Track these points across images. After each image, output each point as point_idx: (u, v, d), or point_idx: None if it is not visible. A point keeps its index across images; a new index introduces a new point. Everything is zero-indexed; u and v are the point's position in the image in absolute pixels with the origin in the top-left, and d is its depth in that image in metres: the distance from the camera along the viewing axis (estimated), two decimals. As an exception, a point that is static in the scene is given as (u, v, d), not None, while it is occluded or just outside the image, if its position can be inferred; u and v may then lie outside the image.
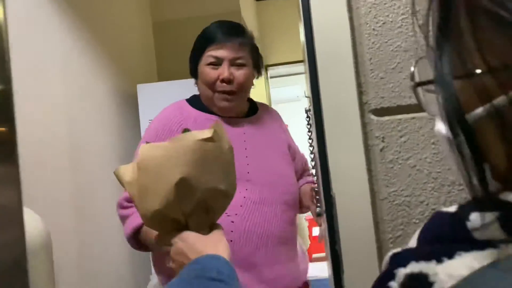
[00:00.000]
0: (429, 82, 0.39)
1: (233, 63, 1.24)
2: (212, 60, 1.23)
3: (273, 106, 4.56)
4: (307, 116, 1.02)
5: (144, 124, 2.20)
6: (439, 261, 0.32)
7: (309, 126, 1.03)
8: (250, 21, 3.73)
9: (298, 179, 1.36)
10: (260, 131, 1.30)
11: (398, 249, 0.38)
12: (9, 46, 0.42)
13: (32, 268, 0.54)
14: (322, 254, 4.43)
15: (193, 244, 0.67)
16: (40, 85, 1.47)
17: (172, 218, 0.65)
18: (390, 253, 0.38)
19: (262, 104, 1.42)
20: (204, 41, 1.27)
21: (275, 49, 4.41)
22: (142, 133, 2.14)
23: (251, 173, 1.19)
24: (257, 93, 4.11)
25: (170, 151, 0.64)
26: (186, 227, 0.66)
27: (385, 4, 0.96)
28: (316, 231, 4.23)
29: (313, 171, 1.10)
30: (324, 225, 1.03)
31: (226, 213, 1.04)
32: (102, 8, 2.02)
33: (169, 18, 2.88)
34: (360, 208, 0.95)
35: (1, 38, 0.42)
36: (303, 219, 3.33)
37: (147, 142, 1.03)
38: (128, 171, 0.65)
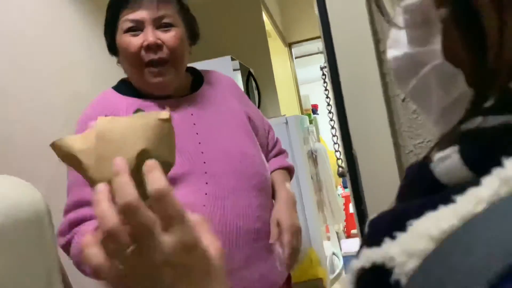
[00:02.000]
0: None
1: (157, 24, 0.98)
2: (129, 25, 0.97)
3: (300, 87, 4.49)
4: (323, 74, 0.97)
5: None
6: (393, 237, 0.24)
7: (325, 84, 0.98)
8: (269, -1, 3.65)
9: (267, 156, 1.14)
10: (211, 108, 1.05)
11: (374, 215, 0.30)
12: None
13: (24, 241, 0.51)
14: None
15: None
16: (66, 80, 1.48)
17: None
18: (368, 220, 0.31)
19: (209, 73, 1.15)
20: (115, 4, 1.00)
21: (297, 26, 4.31)
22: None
23: (208, 162, 0.98)
24: (284, 74, 4.06)
25: (134, 125, 0.68)
26: None
27: None
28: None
29: (333, 132, 1.04)
30: (349, 185, 0.98)
31: None
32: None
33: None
34: (384, 165, 0.90)
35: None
36: (339, 196, 3.26)
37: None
38: (77, 142, 0.66)
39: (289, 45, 4.29)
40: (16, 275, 0.42)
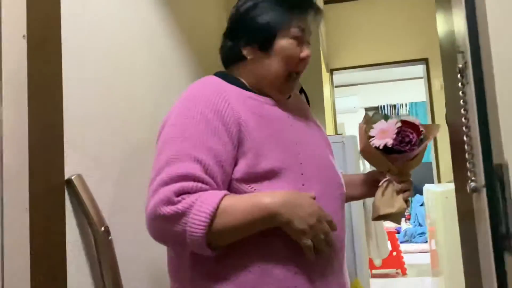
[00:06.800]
0: None
1: (307, 39, 1.03)
2: (299, 34, 1.00)
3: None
4: (461, 75, 0.87)
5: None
6: None
7: (462, 86, 0.88)
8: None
9: None
10: (302, 116, 1.09)
11: None
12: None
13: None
14: (382, 270, 4.14)
15: None
16: (128, 61, 1.42)
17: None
18: None
19: None
20: (287, 5, 1.01)
21: (339, 53, 4.28)
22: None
23: (304, 164, 0.98)
24: (325, 101, 4.00)
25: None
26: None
27: None
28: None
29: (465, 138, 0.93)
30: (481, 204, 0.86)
31: None
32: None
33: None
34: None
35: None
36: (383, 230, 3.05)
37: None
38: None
39: (331, 71, 4.24)
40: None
